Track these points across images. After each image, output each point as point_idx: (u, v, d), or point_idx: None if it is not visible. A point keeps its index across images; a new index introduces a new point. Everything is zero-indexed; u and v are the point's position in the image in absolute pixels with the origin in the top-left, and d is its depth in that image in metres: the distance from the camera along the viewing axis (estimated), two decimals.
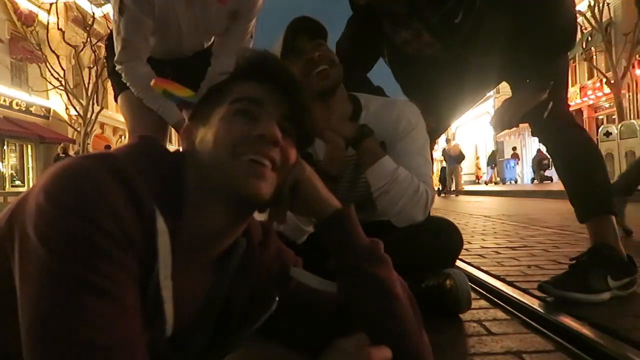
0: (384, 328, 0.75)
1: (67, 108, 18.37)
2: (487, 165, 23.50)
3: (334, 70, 1.38)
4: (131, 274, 0.57)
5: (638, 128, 8.64)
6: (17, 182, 18.01)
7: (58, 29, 16.69)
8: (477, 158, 27.56)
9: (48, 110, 19.35)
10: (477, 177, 26.31)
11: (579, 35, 15.37)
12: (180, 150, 0.77)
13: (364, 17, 1.68)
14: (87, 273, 0.54)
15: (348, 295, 0.79)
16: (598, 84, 16.88)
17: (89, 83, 16.93)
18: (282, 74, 0.77)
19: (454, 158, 14.74)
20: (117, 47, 1.74)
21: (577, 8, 15.07)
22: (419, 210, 1.38)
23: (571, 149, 1.68)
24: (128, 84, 1.82)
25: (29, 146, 18.69)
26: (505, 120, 1.53)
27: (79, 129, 17.19)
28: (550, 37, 1.45)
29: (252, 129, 0.70)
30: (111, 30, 1.86)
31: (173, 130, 1.95)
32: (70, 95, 16.77)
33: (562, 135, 1.67)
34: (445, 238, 1.46)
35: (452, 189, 15.06)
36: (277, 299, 0.80)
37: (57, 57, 16.30)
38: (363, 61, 1.81)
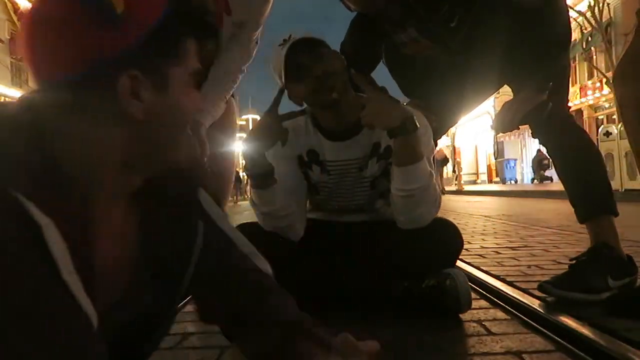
0: None
1: None
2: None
3: (339, 80, 1.40)
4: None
5: None
6: None
7: None
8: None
9: None
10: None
11: (579, 35, 15.35)
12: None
13: (365, 18, 1.68)
14: None
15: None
16: (598, 84, 16.87)
17: None
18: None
19: (439, 162, 15.46)
20: None
21: (577, 8, 15.14)
22: (431, 216, 1.39)
23: (571, 149, 1.68)
24: None
25: None
26: (506, 122, 1.53)
27: None
28: (548, 39, 1.46)
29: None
30: None
31: None
32: None
33: (562, 135, 1.67)
34: (445, 238, 1.47)
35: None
36: (201, 226, 0.75)
37: None
38: (367, 62, 1.81)
